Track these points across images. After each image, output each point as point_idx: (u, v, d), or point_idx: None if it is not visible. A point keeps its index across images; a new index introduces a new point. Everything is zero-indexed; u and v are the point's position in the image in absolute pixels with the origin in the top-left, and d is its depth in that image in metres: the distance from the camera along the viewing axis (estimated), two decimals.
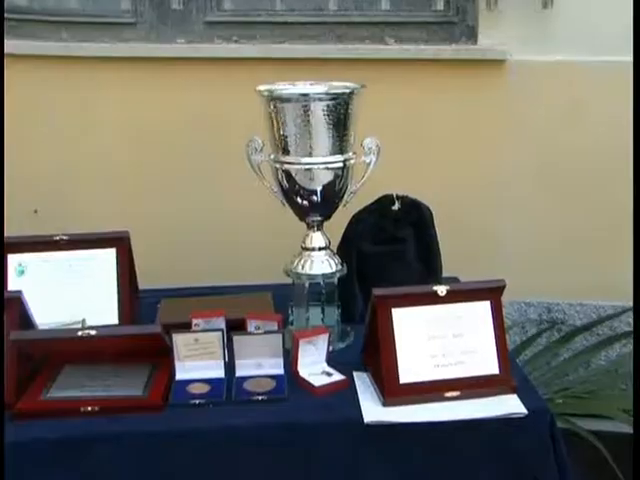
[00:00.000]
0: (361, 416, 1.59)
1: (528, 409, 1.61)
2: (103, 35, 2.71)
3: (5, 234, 2.02)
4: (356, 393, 1.68)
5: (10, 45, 2.62)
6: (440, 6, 2.70)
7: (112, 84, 2.65)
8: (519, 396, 1.66)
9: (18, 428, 1.54)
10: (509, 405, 1.63)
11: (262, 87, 1.83)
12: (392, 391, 1.63)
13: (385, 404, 1.62)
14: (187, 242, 2.75)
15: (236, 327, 1.79)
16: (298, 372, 1.72)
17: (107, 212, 2.70)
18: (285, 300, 1.97)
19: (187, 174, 2.72)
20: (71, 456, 1.52)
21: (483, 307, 1.72)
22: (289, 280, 1.93)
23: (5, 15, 2.70)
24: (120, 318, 1.92)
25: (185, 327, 1.76)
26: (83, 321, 1.84)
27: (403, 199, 2.09)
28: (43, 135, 2.70)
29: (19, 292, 1.67)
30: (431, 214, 2.09)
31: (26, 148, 2.70)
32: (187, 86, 2.65)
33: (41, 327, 1.76)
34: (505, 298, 1.75)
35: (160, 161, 2.70)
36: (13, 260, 1.93)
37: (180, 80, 2.65)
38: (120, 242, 1.98)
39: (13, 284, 1.91)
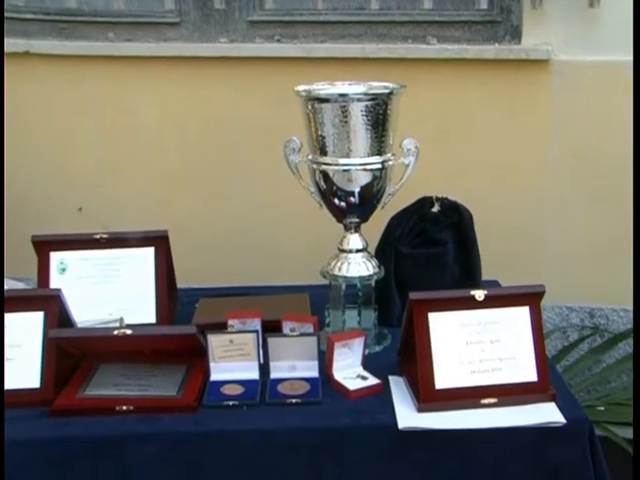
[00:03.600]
0: (395, 421, 1.57)
1: (567, 418, 1.58)
2: (147, 35, 2.73)
3: (50, 232, 2.03)
4: (391, 398, 1.66)
5: (60, 46, 2.67)
6: (484, 5, 2.66)
7: (155, 83, 2.67)
8: (558, 404, 1.62)
9: (55, 425, 1.56)
10: (547, 413, 1.60)
11: (300, 87, 1.82)
12: (427, 397, 1.61)
13: (420, 410, 1.61)
14: (226, 242, 2.76)
15: (272, 328, 1.79)
16: (333, 375, 1.71)
17: (148, 210, 2.72)
18: (322, 302, 1.97)
19: (227, 173, 2.73)
20: (106, 454, 1.53)
21: (522, 313, 1.69)
22: (326, 281, 1.92)
23: (56, 18, 2.76)
24: (158, 317, 1.93)
25: (221, 327, 1.76)
26: (121, 320, 1.85)
27: (443, 201, 2.07)
28: (88, 133, 2.74)
29: (58, 290, 1.69)
30: (471, 216, 2.07)
31: (71, 147, 2.74)
32: (229, 85, 2.66)
33: (80, 325, 1.78)
34: (546, 302, 1.72)
35: (201, 160, 2.72)
36: (55, 258, 1.96)
37: (222, 79, 2.66)
38: (159, 241, 1.99)
39: (54, 282, 1.93)
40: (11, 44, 2.66)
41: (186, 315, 2.01)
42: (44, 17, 2.77)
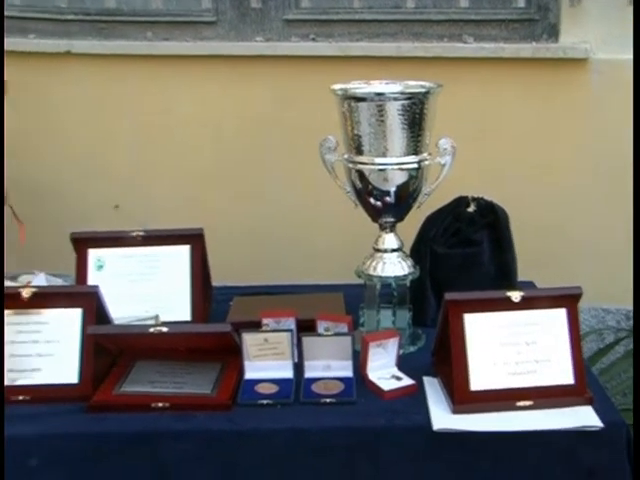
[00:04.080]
0: (430, 422, 1.57)
1: (603, 422, 1.56)
2: (185, 34, 2.75)
3: (87, 229, 2.06)
4: (425, 399, 1.65)
5: (99, 46, 2.70)
6: (521, 3, 2.64)
7: (192, 82, 2.69)
8: (594, 408, 1.60)
9: (92, 420, 1.58)
10: (583, 417, 1.58)
11: (336, 86, 1.82)
12: (462, 398, 1.60)
13: (455, 411, 1.60)
14: (261, 241, 2.76)
15: (306, 327, 1.79)
16: (367, 375, 1.71)
17: (184, 208, 2.74)
18: (356, 301, 1.96)
19: (263, 172, 2.73)
20: (141, 451, 1.54)
21: (558, 315, 1.67)
22: (360, 281, 1.91)
23: (96, 18, 2.79)
24: (193, 315, 1.94)
25: (255, 326, 1.76)
26: (156, 317, 1.87)
27: (479, 201, 2.06)
28: (125, 132, 2.76)
29: (96, 287, 1.71)
30: (507, 217, 2.05)
31: (109, 145, 2.77)
32: (265, 84, 2.67)
33: (117, 321, 1.79)
34: (582, 304, 1.69)
35: (237, 159, 2.73)
36: (93, 255, 1.98)
37: (258, 78, 2.67)
38: (195, 239, 2.00)
39: (92, 278, 1.95)
40: (53, 44, 2.70)
41: (220, 313, 2.02)
42: (84, 17, 2.80)
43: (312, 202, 2.70)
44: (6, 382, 1.63)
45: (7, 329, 1.67)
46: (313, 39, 2.71)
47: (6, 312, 1.67)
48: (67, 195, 2.80)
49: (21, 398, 1.62)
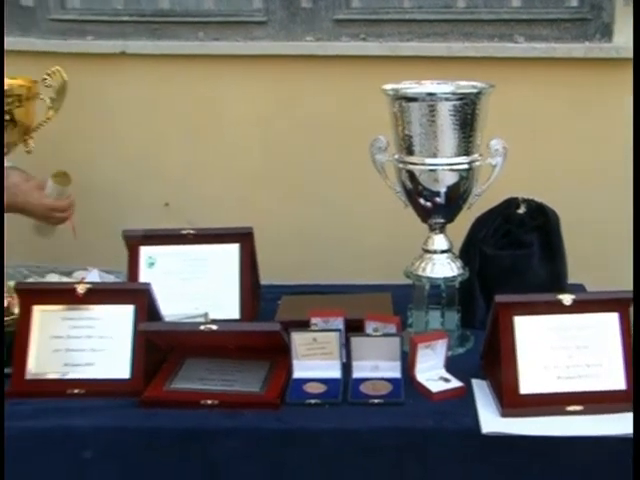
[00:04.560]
0: (478, 425, 1.56)
1: None
2: (235, 34, 2.77)
3: (137, 226, 2.09)
4: (474, 401, 1.64)
5: (152, 46, 2.74)
6: (574, 2, 2.61)
7: (242, 82, 2.71)
8: None
9: (143, 415, 1.60)
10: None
11: (387, 86, 1.82)
12: (511, 402, 1.59)
13: (503, 415, 1.58)
14: (309, 240, 2.77)
15: (354, 327, 1.79)
16: (415, 376, 1.70)
17: (232, 207, 2.76)
18: (404, 301, 1.96)
19: (312, 172, 2.74)
20: (191, 447, 1.56)
21: (611, 319, 1.65)
22: (409, 281, 1.91)
23: (150, 19, 2.83)
24: (241, 313, 1.96)
25: (304, 325, 1.77)
26: (206, 315, 1.88)
27: (529, 202, 2.04)
28: (176, 131, 2.79)
29: (148, 284, 1.73)
30: (557, 219, 2.03)
31: (160, 144, 2.80)
32: (314, 84, 2.67)
33: (167, 318, 1.81)
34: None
35: (286, 158, 2.74)
36: (145, 252, 2.01)
37: (307, 78, 2.67)
38: (244, 237, 2.01)
39: (144, 276, 1.98)
40: (109, 45, 2.75)
41: (269, 312, 2.03)
42: (139, 19, 2.84)
43: (361, 202, 2.70)
44: (62, 375, 1.67)
45: (62, 324, 1.70)
46: (363, 39, 2.71)
47: (61, 307, 1.71)
48: (119, 194, 2.84)
49: (76, 391, 1.65)
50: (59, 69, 1.73)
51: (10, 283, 1.82)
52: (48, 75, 1.73)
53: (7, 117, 1.66)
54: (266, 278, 2.15)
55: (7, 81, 1.75)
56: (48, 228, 2.20)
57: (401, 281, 1.96)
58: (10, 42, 2.57)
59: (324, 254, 2.75)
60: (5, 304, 1.77)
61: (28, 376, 1.67)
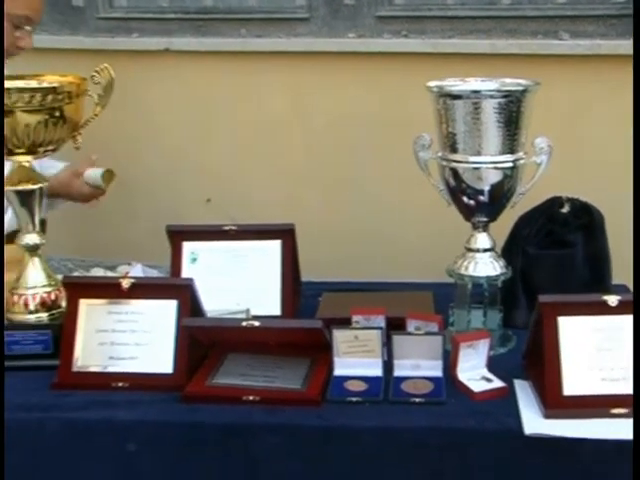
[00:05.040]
0: (521, 426, 1.55)
1: None
2: (278, 30, 2.78)
3: (179, 222, 2.10)
4: (516, 402, 1.63)
5: (196, 43, 2.76)
6: None
7: (284, 78, 2.72)
8: None
9: (186, 410, 1.61)
10: None
11: (432, 83, 1.81)
12: (554, 403, 1.57)
13: (546, 416, 1.57)
14: (350, 237, 2.77)
15: (395, 325, 1.79)
16: (457, 376, 1.69)
17: (274, 203, 2.77)
18: (445, 300, 1.95)
19: (353, 168, 2.74)
20: (233, 442, 1.57)
21: None
22: (449, 279, 1.90)
23: (194, 16, 2.86)
24: (282, 309, 1.96)
25: (345, 322, 1.77)
26: (247, 311, 1.89)
27: (573, 202, 2.01)
28: (218, 127, 2.81)
29: (191, 280, 1.74)
30: (602, 218, 2.00)
31: (202, 139, 2.82)
32: (357, 81, 2.67)
33: (209, 314, 1.82)
34: None
35: (328, 155, 2.74)
36: (187, 248, 2.02)
37: (350, 75, 2.67)
38: (286, 234, 2.01)
39: (186, 271, 1.99)
40: (153, 42, 2.78)
41: (309, 308, 2.03)
42: (183, 16, 2.86)
43: (402, 199, 2.69)
44: (106, 369, 1.69)
45: (108, 317, 1.72)
46: (405, 36, 2.70)
47: (107, 301, 1.73)
48: (162, 189, 2.87)
49: (120, 385, 1.67)
50: (107, 66, 1.75)
51: (58, 276, 1.85)
52: (96, 72, 1.75)
53: (57, 114, 1.68)
54: (306, 275, 2.15)
55: (58, 78, 1.78)
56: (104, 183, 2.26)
57: (441, 279, 1.95)
58: (60, 41, 2.61)
59: (364, 251, 2.74)
60: (53, 297, 1.80)
61: (74, 368, 1.69)
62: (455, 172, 1.81)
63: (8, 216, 2.11)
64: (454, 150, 1.80)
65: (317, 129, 2.73)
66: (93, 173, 2.20)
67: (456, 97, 1.76)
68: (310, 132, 2.73)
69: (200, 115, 2.80)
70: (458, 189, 1.83)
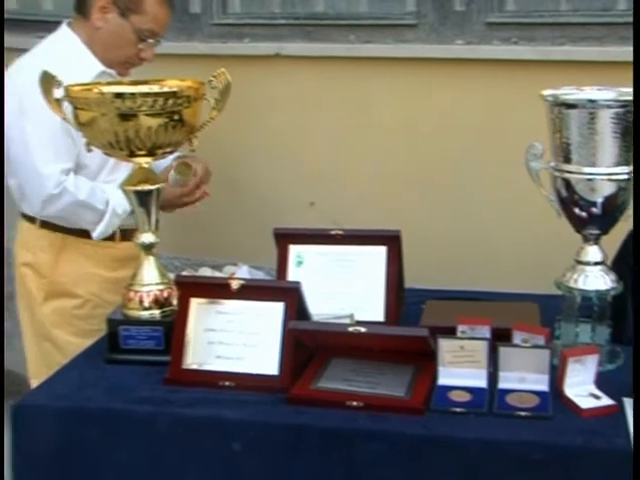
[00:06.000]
0: (630, 447, 1.50)
1: None
2: (386, 36, 2.77)
3: (283, 224, 2.13)
4: (625, 421, 1.58)
5: (306, 48, 2.79)
6: None
7: (391, 84, 2.71)
8: None
9: (290, 412, 1.63)
10: None
11: (546, 92, 1.77)
12: None
13: None
14: (453, 245, 2.74)
15: (501, 336, 1.76)
16: (563, 391, 1.66)
17: (376, 208, 2.77)
18: (549, 312, 1.91)
19: (457, 175, 2.71)
20: (336, 447, 1.58)
21: None
22: (553, 291, 1.86)
23: (304, 22, 2.88)
24: (386, 316, 1.96)
25: (449, 331, 1.76)
26: (351, 316, 1.90)
27: None
28: (324, 131, 2.83)
29: (298, 283, 1.76)
30: None
31: (308, 144, 2.85)
32: (463, 88, 2.64)
33: (313, 317, 1.84)
34: None
35: (432, 161, 2.72)
36: (293, 251, 2.04)
37: (457, 82, 2.65)
38: (392, 241, 2.01)
39: (292, 274, 2.02)
40: (264, 47, 2.82)
41: (411, 315, 2.03)
42: (294, 22, 2.90)
43: (509, 209, 2.64)
44: (215, 367, 1.73)
45: (217, 317, 1.76)
46: (515, 42, 2.65)
47: (216, 301, 1.77)
48: (267, 191, 2.91)
49: (227, 384, 1.70)
50: (224, 71, 1.80)
51: (170, 275, 1.91)
52: (214, 77, 1.80)
53: (176, 117, 1.74)
54: (407, 278, 2.15)
55: (178, 83, 1.84)
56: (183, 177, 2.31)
57: (546, 291, 1.92)
58: (176, 47, 2.69)
59: (467, 260, 2.71)
60: (165, 295, 1.85)
61: (184, 365, 1.74)
62: (568, 183, 1.78)
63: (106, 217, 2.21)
64: (567, 160, 1.76)
65: (422, 135, 2.71)
66: (171, 174, 2.27)
67: (571, 106, 1.72)
68: (415, 138, 2.72)
69: (307, 119, 2.82)
70: (570, 200, 1.79)
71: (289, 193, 2.88)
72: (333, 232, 2.04)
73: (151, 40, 2.24)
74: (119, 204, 2.19)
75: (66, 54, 2.21)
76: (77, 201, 2.18)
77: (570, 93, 1.79)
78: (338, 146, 2.81)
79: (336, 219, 2.58)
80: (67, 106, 1.79)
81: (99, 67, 2.24)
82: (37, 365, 2.38)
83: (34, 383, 2.28)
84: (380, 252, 2.01)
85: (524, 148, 1.86)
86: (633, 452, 1.44)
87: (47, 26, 2.58)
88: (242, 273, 2.14)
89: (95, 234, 2.23)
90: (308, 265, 2.03)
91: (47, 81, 1.74)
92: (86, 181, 2.22)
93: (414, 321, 1.97)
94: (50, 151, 2.15)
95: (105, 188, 2.23)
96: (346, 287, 2.00)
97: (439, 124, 2.68)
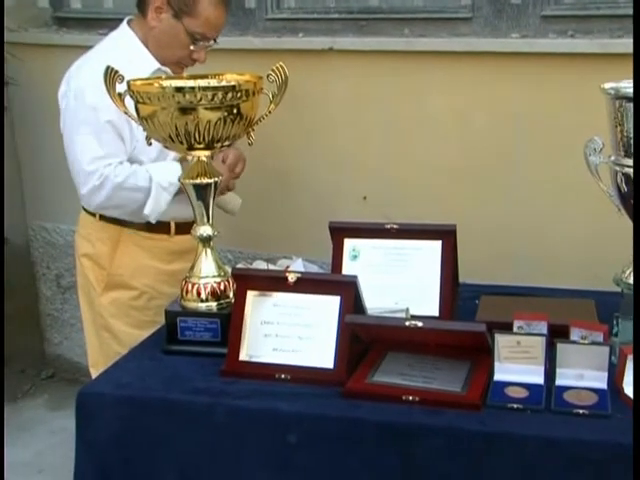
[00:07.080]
0: None
1: None
2: (440, 30, 2.76)
3: (335, 218, 2.13)
4: None
5: (359, 42, 2.78)
6: None
7: (444, 78, 2.69)
8: None
9: (346, 406, 1.64)
10: None
11: (607, 85, 1.75)
12: None
13: None
14: (507, 239, 2.71)
15: (558, 332, 1.75)
16: (622, 389, 1.64)
17: (429, 202, 2.76)
18: (605, 309, 1.89)
19: (511, 169, 2.68)
20: (392, 441, 1.58)
21: None
22: (610, 288, 1.84)
23: (357, 16, 2.89)
24: (440, 310, 1.95)
25: (505, 327, 1.75)
26: (407, 310, 1.90)
27: None
28: (377, 125, 2.82)
29: (354, 277, 1.76)
30: None
31: (361, 137, 2.85)
32: (519, 81, 2.61)
33: (369, 311, 1.84)
34: None
35: (487, 155, 2.70)
36: (348, 244, 2.04)
37: (512, 75, 2.62)
38: (447, 235, 2.00)
39: (346, 268, 2.02)
40: (318, 42, 2.82)
41: (466, 311, 2.01)
42: (347, 16, 2.90)
43: (565, 202, 2.61)
44: (271, 360, 1.75)
45: (273, 310, 1.78)
46: (571, 35, 2.61)
47: (273, 294, 1.78)
48: (320, 185, 2.92)
49: (283, 376, 1.72)
50: (282, 65, 1.80)
51: (227, 268, 1.92)
52: (272, 71, 1.80)
53: (235, 111, 1.75)
54: (463, 276, 2.14)
55: (236, 77, 1.85)
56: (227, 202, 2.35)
57: (602, 287, 1.89)
58: (230, 42, 2.70)
59: (521, 254, 2.68)
60: (222, 287, 1.87)
61: (241, 357, 1.76)
62: (628, 177, 1.75)
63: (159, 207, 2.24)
64: (628, 155, 1.74)
65: (476, 129, 2.69)
66: (233, 198, 2.33)
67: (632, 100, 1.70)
68: (468, 132, 2.70)
69: (361, 113, 2.82)
70: (630, 195, 1.77)
71: (342, 187, 2.88)
72: (388, 226, 2.03)
73: (203, 42, 2.26)
74: (163, 178, 2.21)
75: (125, 51, 2.25)
76: (118, 184, 2.20)
77: (632, 86, 1.76)
78: (391, 140, 2.80)
79: (387, 213, 2.58)
80: (129, 100, 1.82)
81: (155, 64, 2.27)
82: (96, 355, 2.43)
83: (93, 372, 2.33)
84: (435, 247, 2.00)
85: (581, 142, 1.84)
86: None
87: (108, 23, 2.64)
88: (296, 266, 2.15)
89: (146, 211, 2.23)
90: (363, 259, 2.03)
91: (110, 76, 1.77)
92: (128, 166, 2.24)
93: (468, 316, 1.96)
94: (95, 149, 2.19)
95: (148, 167, 2.25)
96: (401, 281, 2.00)
97: (494, 118, 2.65)
